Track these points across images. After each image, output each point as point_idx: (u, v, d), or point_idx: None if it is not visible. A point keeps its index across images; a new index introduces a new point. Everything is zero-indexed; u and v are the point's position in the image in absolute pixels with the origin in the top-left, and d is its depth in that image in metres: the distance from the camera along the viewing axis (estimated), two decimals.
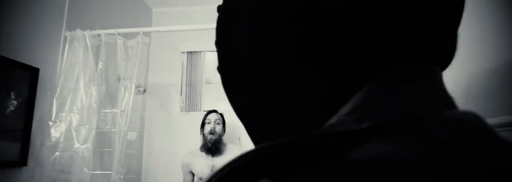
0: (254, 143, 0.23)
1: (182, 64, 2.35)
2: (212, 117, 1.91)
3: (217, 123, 1.91)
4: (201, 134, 1.91)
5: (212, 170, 1.81)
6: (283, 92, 0.19)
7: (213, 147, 1.81)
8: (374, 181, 0.11)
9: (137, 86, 1.97)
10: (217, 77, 2.61)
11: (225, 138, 1.91)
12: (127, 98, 1.83)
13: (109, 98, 1.83)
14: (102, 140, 1.84)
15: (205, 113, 1.94)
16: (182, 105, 2.36)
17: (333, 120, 0.16)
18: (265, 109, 0.20)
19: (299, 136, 0.13)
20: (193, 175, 1.89)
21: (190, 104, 2.38)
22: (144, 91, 2.04)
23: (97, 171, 1.84)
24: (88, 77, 1.72)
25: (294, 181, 0.11)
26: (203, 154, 1.85)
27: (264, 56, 0.19)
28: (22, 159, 1.61)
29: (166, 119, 2.31)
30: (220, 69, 0.25)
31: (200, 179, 1.83)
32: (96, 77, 1.75)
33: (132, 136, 1.90)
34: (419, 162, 0.11)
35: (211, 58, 2.46)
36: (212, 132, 1.83)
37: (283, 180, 0.12)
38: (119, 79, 1.87)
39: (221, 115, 1.94)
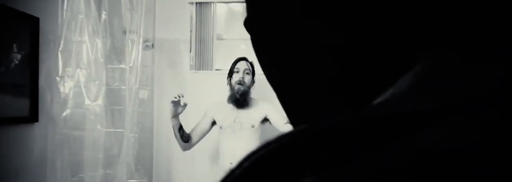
0: (292, 122, 0.22)
1: (191, 17, 2.18)
2: (241, 65, 1.71)
3: (247, 73, 1.70)
4: (227, 84, 1.78)
5: (235, 121, 1.71)
6: (332, 65, 0.18)
7: (241, 98, 1.66)
8: (455, 174, 0.09)
9: (145, 41, 1.83)
10: (229, 33, 2.46)
11: (253, 92, 1.77)
12: (135, 53, 1.71)
13: (115, 53, 1.72)
14: (112, 98, 1.77)
15: (235, 59, 1.75)
16: (192, 63, 2.24)
17: (382, 98, 0.15)
18: (310, 80, 0.20)
19: (345, 116, 0.12)
20: (212, 124, 1.79)
21: (201, 62, 2.26)
22: (152, 45, 1.91)
23: (110, 129, 1.80)
24: (92, 28, 1.58)
25: (347, 174, 0.10)
26: (230, 105, 1.71)
27: (309, 25, 0.18)
28: (32, 115, 1.56)
29: (175, 78, 2.21)
30: (256, 32, 0.22)
31: (221, 127, 1.73)
32: (100, 29, 1.61)
33: (144, 94, 1.83)
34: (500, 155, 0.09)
35: (223, 11, 2.27)
36: (240, 82, 1.68)
37: (333, 171, 0.10)
38: (124, 32, 1.73)
39: (251, 63, 1.78)
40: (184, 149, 1.76)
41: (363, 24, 0.17)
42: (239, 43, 2.31)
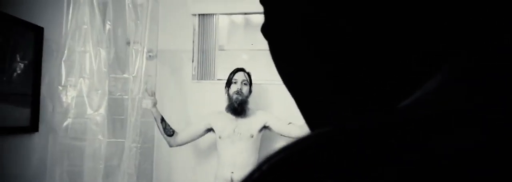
0: (309, 126, 0.22)
1: (194, 29, 2.20)
2: (239, 76, 1.76)
3: (244, 84, 1.75)
4: (225, 93, 1.80)
5: (234, 131, 1.73)
6: (337, 63, 0.18)
7: (239, 107, 1.70)
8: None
9: (148, 51, 1.85)
10: (230, 44, 2.48)
11: (252, 102, 1.80)
12: (139, 62, 1.72)
13: (118, 62, 1.72)
14: (114, 107, 1.76)
15: (233, 70, 1.81)
16: (194, 73, 2.25)
17: (408, 101, 0.15)
18: (316, 79, 0.19)
19: (368, 118, 0.12)
20: (207, 131, 1.80)
21: (203, 72, 2.26)
22: (156, 55, 1.92)
23: (111, 139, 1.78)
24: (96, 38, 1.59)
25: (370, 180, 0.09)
26: (228, 114, 1.75)
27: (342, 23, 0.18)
28: (33, 125, 1.54)
29: (177, 88, 2.21)
30: (271, 34, 0.22)
31: (220, 137, 1.75)
32: (104, 39, 1.63)
33: (148, 104, 1.82)
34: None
35: (225, 22, 2.30)
36: (238, 92, 1.72)
37: (355, 177, 0.10)
38: (128, 43, 1.74)
39: (249, 74, 1.82)
40: (169, 144, 1.79)
41: (371, 24, 0.17)
42: (240, 54, 2.32)
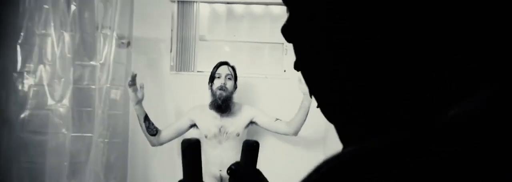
0: (343, 141, 0.22)
1: (172, 16, 2.06)
2: (223, 70, 1.63)
3: (229, 78, 1.62)
4: (209, 89, 1.66)
5: (220, 131, 1.61)
6: (360, 71, 0.18)
7: (223, 104, 1.57)
8: None
9: (120, 37, 1.69)
10: (212, 34, 2.35)
11: (235, 97, 1.68)
12: (107, 48, 1.57)
13: (84, 48, 1.56)
14: (80, 98, 1.60)
15: (216, 64, 1.67)
16: (172, 63, 2.10)
17: (445, 117, 0.15)
18: (376, 95, 0.19)
19: (409, 133, 0.13)
20: (190, 127, 1.68)
21: (182, 62, 2.12)
22: (129, 43, 1.77)
23: (77, 133, 1.61)
24: (59, 21, 1.43)
25: None
26: (212, 112, 1.62)
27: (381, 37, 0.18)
28: None
29: (154, 79, 2.06)
30: (294, 37, 0.22)
31: (206, 137, 1.62)
32: (69, 22, 1.47)
33: (116, 94, 1.67)
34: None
35: (206, 10, 2.16)
36: (222, 88, 1.59)
37: None
38: (97, 28, 1.59)
39: (233, 68, 1.69)
40: (152, 143, 1.64)
41: (405, 39, 0.16)
42: (222, 45, 2.20)
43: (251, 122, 1.66)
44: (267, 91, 2.03)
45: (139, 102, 1.52)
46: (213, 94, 1.61)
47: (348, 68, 0.18)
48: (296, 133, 1.59)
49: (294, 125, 1.56)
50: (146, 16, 2.02)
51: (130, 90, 1.46)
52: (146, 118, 1.56)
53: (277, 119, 1.63)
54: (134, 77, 1.45)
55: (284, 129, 1.60)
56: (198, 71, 2.12)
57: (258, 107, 1.79)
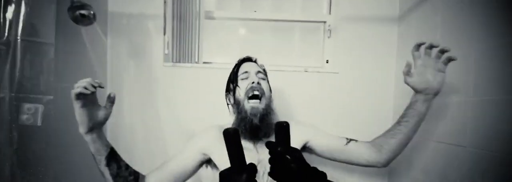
0: None
1: None
2: (249, 67, 0.99)
3: (262, 78, 0.97)
4: (229, 103, 1.00)
5: (257, 170, 0.87)
6: None
7: (262, 124, 0.88)
8: None
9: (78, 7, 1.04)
10: (222, 10, 1.72)
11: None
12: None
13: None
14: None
15: (238, 61, 1.03)
16: (167, 51, 1.47)
17: None
18: None
19: None
20: (201, 165, 0.97)
21: (181, 50, 1.49)
22: (94, 16, 1.12)
23: None
24: None
25: None
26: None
27: None
28: None
29: (140, 73, 1.42)
30: None
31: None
32: None
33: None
34: None
35: None
36: (255, 95, 0.89)
37: None
38: None
39: (263, 69, 1.03)
40: None
41: None
42: (236, 26, 1.57)
43: (304, 147, 1.01)
44: (303, 91, 1.41)
45: (97, 126, 0.80)
46: (239, 108, 0.93)
47: None
48: (388, 163, 0.95)
49: (390, 148, 0.90)
50: None
51: (78, 105, 0.75)
52: (113, 156, 0.82)
53: (350, 140, 0.98)
54: (97, 87, 0.78)
55: (368, 155, 0.93)
56: (204, 63, 1.49)
57: (301, 121, 1.11)
